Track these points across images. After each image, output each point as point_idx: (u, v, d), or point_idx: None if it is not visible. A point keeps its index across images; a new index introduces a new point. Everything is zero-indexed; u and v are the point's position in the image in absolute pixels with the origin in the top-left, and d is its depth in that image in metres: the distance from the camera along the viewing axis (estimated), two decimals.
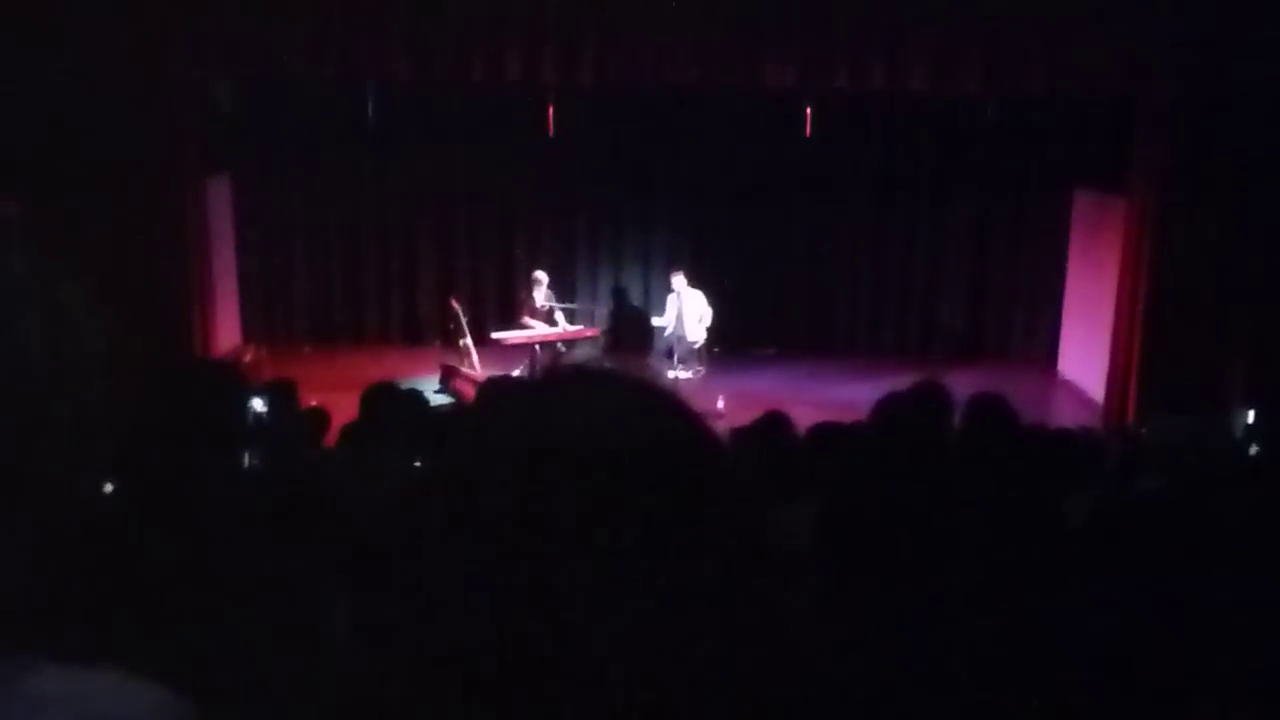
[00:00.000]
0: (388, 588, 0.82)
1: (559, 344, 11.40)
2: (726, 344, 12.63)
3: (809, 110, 10.72)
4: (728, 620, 0.77)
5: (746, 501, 0.83)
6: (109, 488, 2.73)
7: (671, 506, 0.76)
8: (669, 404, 0.83)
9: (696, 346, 11.77)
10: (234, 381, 2.61)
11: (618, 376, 0.83)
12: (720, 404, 9.61)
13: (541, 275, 11.64)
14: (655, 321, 12.04)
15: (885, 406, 3.43)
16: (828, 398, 10.28)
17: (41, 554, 0.91)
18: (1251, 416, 8.68)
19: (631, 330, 13.02)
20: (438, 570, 0.78)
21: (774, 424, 5.08)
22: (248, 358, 11.18)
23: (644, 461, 0.77)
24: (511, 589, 0.74)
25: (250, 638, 2.15)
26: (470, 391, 10.38)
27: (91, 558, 2.06)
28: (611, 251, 13.41)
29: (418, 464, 3.99)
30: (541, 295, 11.51)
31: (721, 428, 5.85)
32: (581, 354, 11.00)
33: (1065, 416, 9.62)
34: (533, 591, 0.74)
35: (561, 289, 12.22)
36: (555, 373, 0.86)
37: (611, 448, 0.77)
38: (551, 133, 10.96)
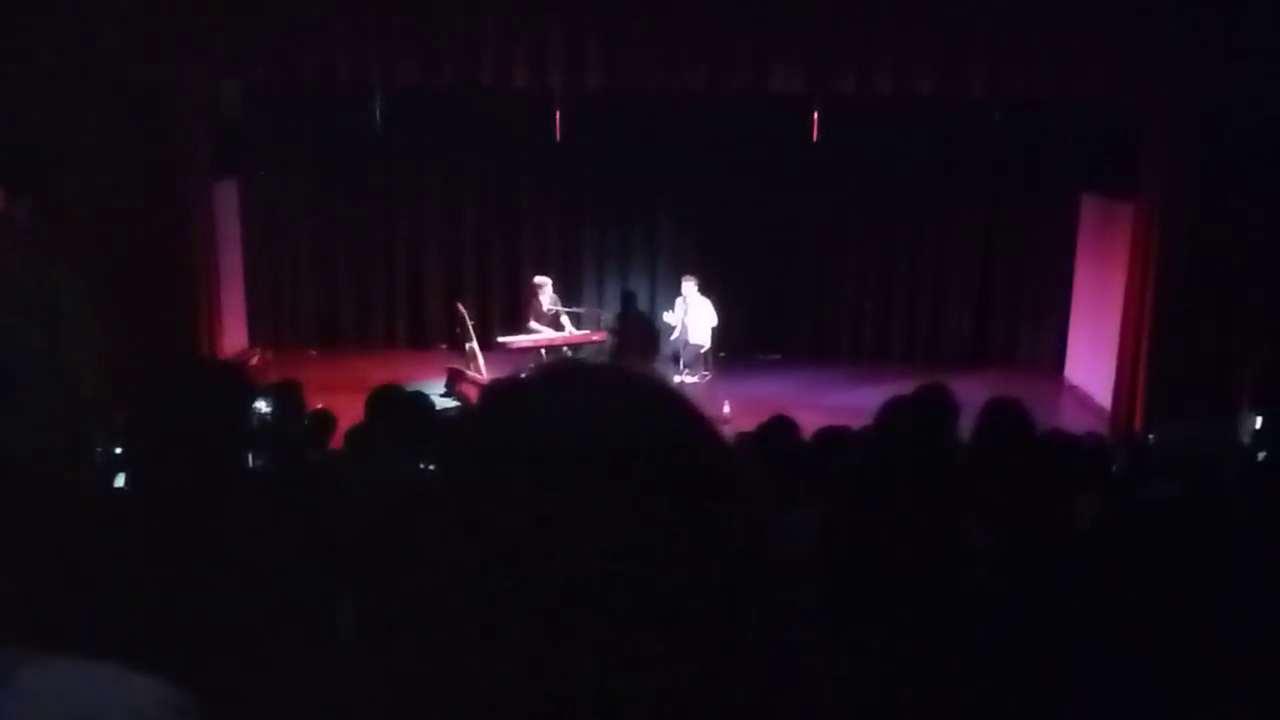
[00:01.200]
0: (392, 588, 0.81)
1: (565, 348, 11.41)
2: (732, 349, 12.63)
3: (816, 115, 10.72)
4: (732, 621, 0.76)
5: (753, 498, 0.82)
6: (120, 481, 2.73)
7: (675, 503, 0.75)
8: (672, 400, 0.82)
9: (702, 351, 11.77)
10: (239, 383, 2.60)
11: (619, 372, 0.82)
12: (726, 409, 9.60)
13: (544, 280, 11.64)
14: (666, 318, 12.03)
15: (890, 411, 3.42)
16: (833, 403, 10.27)
17: (45, 553, 0.91)
18: (1260, 422, 8.66)
19: (637, 335, 13.02)
20: (440, 570, 0.77)
21: (779, 428, 5.08)
22: (254, 361, 11.20)
23: (646, 457, 0.76)
24: (513, 588, 0.73)
25: (254, 638, 2.15)
26: (476, 395, 10.39)
27: (96, 557, 2.06)
28: (618, 256, 13.40)
29: (423, 466, 3.99)
30: (547, 299, 11.51)
31: (727, 433, 5.84)
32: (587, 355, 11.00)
33: (1072, 422, 9.58)
34: (534, 591, 0.73)
35: (568, 293, 12.22)
36: (555, 369, 0.84)
37: (613, 443, 0.76)
38: (558, 137, 10.98)
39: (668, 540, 0.74)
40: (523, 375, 0.84)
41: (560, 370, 0.84)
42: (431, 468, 4.22)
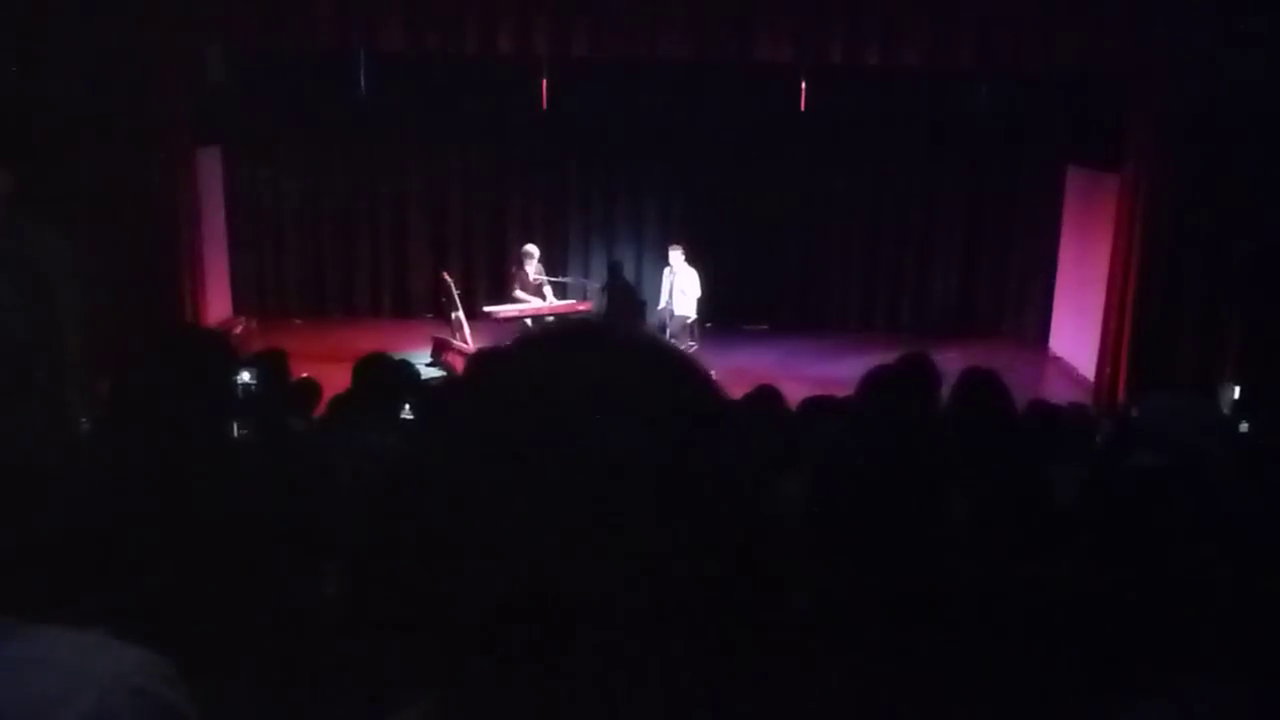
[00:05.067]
0: (377, 557, 0.81)
1: (550, 318, 11.39)
2: (718, 320, 12.63)
3: (804, 85, 10.68)
4: (728, 582, 0.76)
5: (746, 458, 0.81)
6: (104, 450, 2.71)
7: (675, 457, 0.75)
8: (671, 358, 0.81)
9: (688, 322, 11.77)
10: (223, 352, 2.59)
11: (614, 332, 0.82)
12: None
13: (533, 249, 11.62)
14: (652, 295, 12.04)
15: (873, 380, 3.42)
16: (819, 374, 10.30)
17: (29, 522, 0.91)
18: (1239, 393, 8.71)
19: (623, 304, 13.00)
20: (429, 539, 0.77)
21: (765, 398, 5.09)
22: (238, 330, 11.16)
23: (647, 415, 0.75)
24: (505, 553, 0.73)
25: (239, 608, 2.15)
26: (462, 365, 10.38)
27: (80, 525, 2.06)
28: (604, 226, 13.39)
29: (409, 434, 3.99)
30: (533, 269, 11.49)
31: None
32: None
33: (1056, 393, 9.62)
34: (528, 557, 0.72)
35: (553, 263, 12.20)
36: (553, 329, 0.83)
37: (612, 402, 0.75)
38: (544, 105, 10.91)
39: (669, 498, 0.74)
40: (518, 338, 0.82)
41: (559, 330, 0.83)
42: (419, 435, 4.22)
